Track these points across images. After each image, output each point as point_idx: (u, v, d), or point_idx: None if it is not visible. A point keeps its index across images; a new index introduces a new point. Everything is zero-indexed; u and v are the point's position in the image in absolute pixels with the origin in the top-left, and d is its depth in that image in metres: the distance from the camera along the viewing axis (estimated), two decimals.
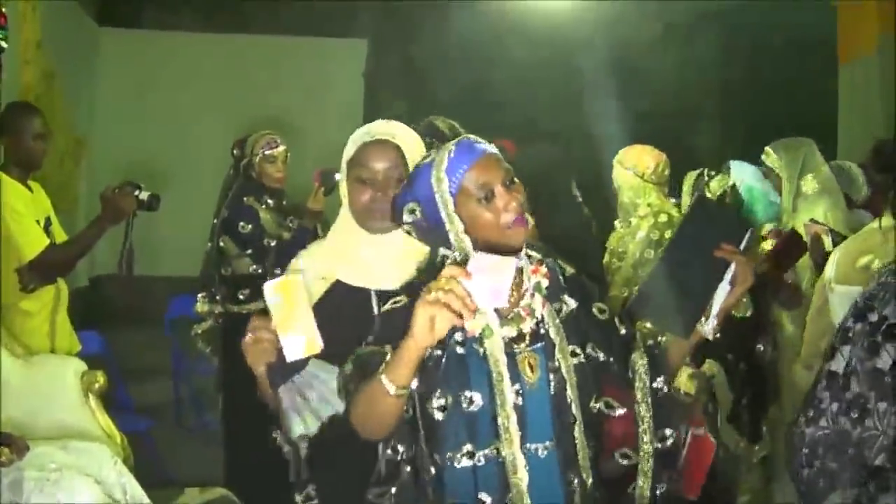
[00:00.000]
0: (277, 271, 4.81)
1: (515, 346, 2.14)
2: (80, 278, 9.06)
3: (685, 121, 11.10)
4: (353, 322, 2.29)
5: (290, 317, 2.18)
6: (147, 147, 10.35)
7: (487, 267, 1.94)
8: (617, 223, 4.90)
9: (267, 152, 4.99)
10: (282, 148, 5.03)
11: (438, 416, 2.08)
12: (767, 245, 4.58)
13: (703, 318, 2.30)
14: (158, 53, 11.00)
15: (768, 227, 4.68)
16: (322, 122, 10.12)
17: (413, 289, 2.11)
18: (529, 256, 2.24)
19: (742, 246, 2.31)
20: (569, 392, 2.15)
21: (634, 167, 4.80)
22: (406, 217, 2.20)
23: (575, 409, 2.16)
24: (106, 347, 5.63)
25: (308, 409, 2.38)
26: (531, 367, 2.15)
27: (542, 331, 2.18)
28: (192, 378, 6.76)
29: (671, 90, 10.71)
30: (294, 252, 4.54)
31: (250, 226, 4.87)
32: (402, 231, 2.26)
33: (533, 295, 2.19)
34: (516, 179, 2.17)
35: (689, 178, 5.08)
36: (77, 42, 10.01)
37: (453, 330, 2.04)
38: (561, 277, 2.28)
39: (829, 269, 3.61)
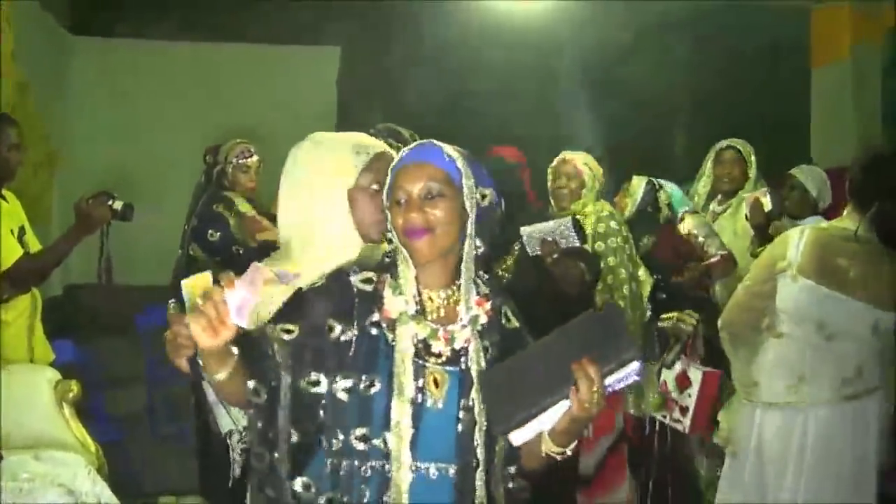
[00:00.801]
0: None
1: (427, 358, 2.15)
2: (54, 287, 9.03)
3: (658, 125, 11.15)
4: None
5: None
6: (121, 157, 10.32)
7: (247, 280, 1.98)
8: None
9: (240, 161, 5.01)
10: (255, 158, 5.05)
11: (342, 396, 2.11)
12: (682, 228, 5.03)
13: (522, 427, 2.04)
14: (132, 63, 10.96)
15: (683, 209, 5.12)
16: (295, 130, 10.09)
17: (338, 273, 2.25)
18: (477, 285, 2.26)
19: (616, 377, 1.99)
20: (477, 435, 2.13)
21: (585, 169, 4.97)
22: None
23: (480, 452, 2.14)
24: (80, 356, 5.62)
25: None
26: (436, 383, 2.14)
27: (463, 365, 2.17)
28: (167, 387, 6.74)
29: (644, 95, 10.76)
30: (261, 259, 4.53)
31: (219, 234, 4.87)
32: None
33: (464, 326, 2.19)
34: (443, 195, 2.16)
35: (639, 183, 5.27)
36: (50, 52, 9.97)
37: (370, 310, 2.17)
38: (503, 323, 2.28)
39: (793, 253, 3.56)
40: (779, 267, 3.57)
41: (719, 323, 3.80)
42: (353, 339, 2.14)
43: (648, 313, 4.92)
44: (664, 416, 4.56)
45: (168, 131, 10.60)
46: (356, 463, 2.10)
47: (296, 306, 2.20)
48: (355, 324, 2.15)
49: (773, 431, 3.63)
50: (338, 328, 2.14)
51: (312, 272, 2.40)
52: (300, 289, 2.23)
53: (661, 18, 10.33)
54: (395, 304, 2.17)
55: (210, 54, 11.20)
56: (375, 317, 2.16)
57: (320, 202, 2.52)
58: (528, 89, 10.64)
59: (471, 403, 2.13)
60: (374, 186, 2.46)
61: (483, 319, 2.21)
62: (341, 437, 2.10)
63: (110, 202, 4.23)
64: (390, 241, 2.27)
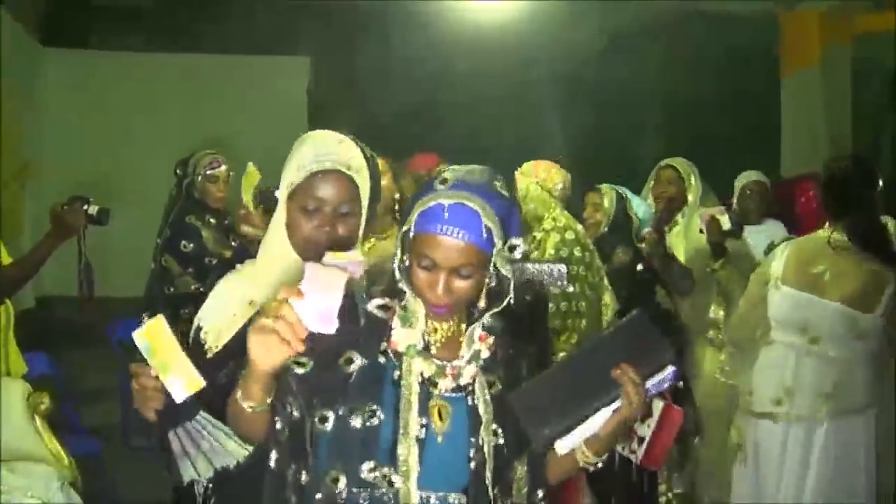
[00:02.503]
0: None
1: (432, 389, 2.10)
2: (27, 299, 8.97)
3: (629, 133, 11.21)
4: None
5: (163, 360, 2.11)
6: (93, 168, 10.25)
7: (319, 284, 1.88)
8: None
9: (209, 172, 5.01)
10: (224, 168, 5.05)
11: (346, 426, 2.06)
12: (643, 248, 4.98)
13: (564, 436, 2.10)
14: (104, 74, 10.96)
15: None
16: (266, 139, 10.10)
17: (347, 299, 2.03)
18: (483, 323, 2.16)
19: (654, 381, 2.12)
20: (488, 475, 2.10)
21: (543, 181, 4.88)
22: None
23: (491, 493, 2.10)
24: (54, 368, 5.59)
25: (200, 456, 2.32)
26: (440, 415, 2.11)
27: (469, 401, 2.13)
28: None
29: (615, 103, 10.81)
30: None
31: (192, 244, 4.87)
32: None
33: (469, 362, 2.14)
34: (474, 273, 2.05)
35: (610, 196, 5.24)
36: (21, 63, 9.92)
37: (380, 337, 2.10)
38: (504, 356, 2.21)
39: (776, 266, 3.81)
40: (766, 279, 3.81)
41: (725, 338, 3.98)
42: (362, 366, 2.08)
43: None
44: (622, 448, 4.59)
45: (140, 142, 10.59)
46: (364, 494, 2.06)
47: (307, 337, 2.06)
48: (365, 351, 2.09)
49: (765, 441, 3.83)
50: (355, 360, 2.08)
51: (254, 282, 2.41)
52: None
53: (631, 26, 10.39)
54: (404, 336, 2.11)
55: (181, 65, 11.20)
56: (384, 345, 2.10)
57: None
58: (498, 97, 10.67)
59: (480, 442, 2.10)
60: (311, 206, 2.35)
61: (485, 354, 2.17)
62: (348, 470, 2.06)
63: (85, 207, 4.21)
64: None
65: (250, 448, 2.25)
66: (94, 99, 10.89)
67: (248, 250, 4.78)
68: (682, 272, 4.93)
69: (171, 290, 4.91)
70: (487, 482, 2.09)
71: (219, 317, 2.41)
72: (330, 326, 1.88)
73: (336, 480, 2.06)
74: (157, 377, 2.11)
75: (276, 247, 2.44)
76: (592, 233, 5.13)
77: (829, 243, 3.76)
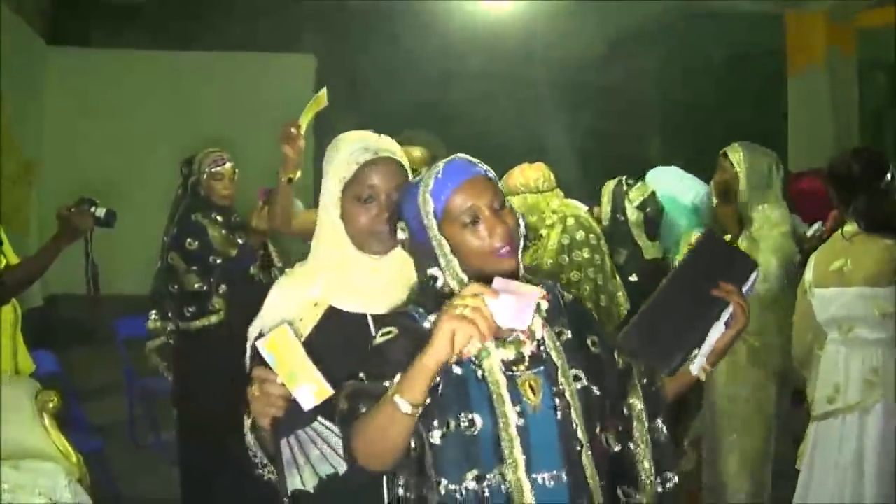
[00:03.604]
0: (222, 288, 4.85)
1: (515, 369, 2.05)
2: (35, 298, 9.00)
3: (632, 134, 11.21)
4: (354, 350, 2.15)
5: (292, 370, 2.09)
6: (98, 166, 10.28)
7: (511, 289, 1.86)
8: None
9: (214, 170, 5.00)
10: (228, 165, 5.04)
11: (438, 441, 1.99)
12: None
13: (693, 358, 2.24)
14: (107, 72, 10.96)
15: (695, 233, 4.70)
16: (272, 137, 10.13)
17: (405, 317, 2.07)
18: (528, 280, 2.12)
19: (746, 288, 2.26)
20: (574, 417, 2.06)
21: (525, 186, 4.81)
22: (399, 234, 2.17)
23: (581, 435, 2.06)
24: (61, 366, 5.61)
25: (308, 466, 2.27)
26: (532, 389, 2.05)
27: (544, 355, 2.10)
28: (149, 396, 6.74)
29: (622, 101, 10.81)
30: (238, 270, 4.50)
31: (197, 243, 4.87)
32: (400, 250, 2.24)
33: (533, 317, 2.03)
34: (508, 203, 2.10)
35: (608, 187, 5.17)
36: (25, 61, 9.94)
37: None
38: (561, 302, 2.22)
39: (808, 275, 3.93)
40: (805, 289, 3.95)
41: (793, 359, 4.16)
42: (438, 382, 1.97)
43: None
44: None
45: (144, 140, 10.59)
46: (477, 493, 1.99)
47: (377, 364, 2.02)
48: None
49: (823, 439, 3.90)
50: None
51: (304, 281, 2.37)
52: (375, 345, 2.06)
53: (638, 25, 10.39)
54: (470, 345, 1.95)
55: (185, 63, 11.21)
56: (454, 357, 1.92)
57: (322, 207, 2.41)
58: (505, 97, 10.68)
59: (561, 388, 2.06)
60: (366, 195, 2.33)
61: (545, 305, 2.15)
62: (452, 486, 1.99)
63: (92, 209, 4.21)
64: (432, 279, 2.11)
65: None
66: (99, 97, 10.89)
67: (252, 249, 4.80)
68: None
69: (176, 287, 4.92)
70: (575, 425, 2.05)
71: (283, 318, 2.34)
72: (524, 323, 1.87)
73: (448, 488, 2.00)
74: (282, 385, 2.09)
75: (331, 243, 2.39)
76: None
77: (842, 235, 3.87)
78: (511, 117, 10.45)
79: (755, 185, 4.61)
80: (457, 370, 2.01)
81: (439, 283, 2.09)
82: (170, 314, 4.99)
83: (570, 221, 4.76)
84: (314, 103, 3.81)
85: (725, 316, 2.21)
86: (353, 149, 2.36)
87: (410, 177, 2.34)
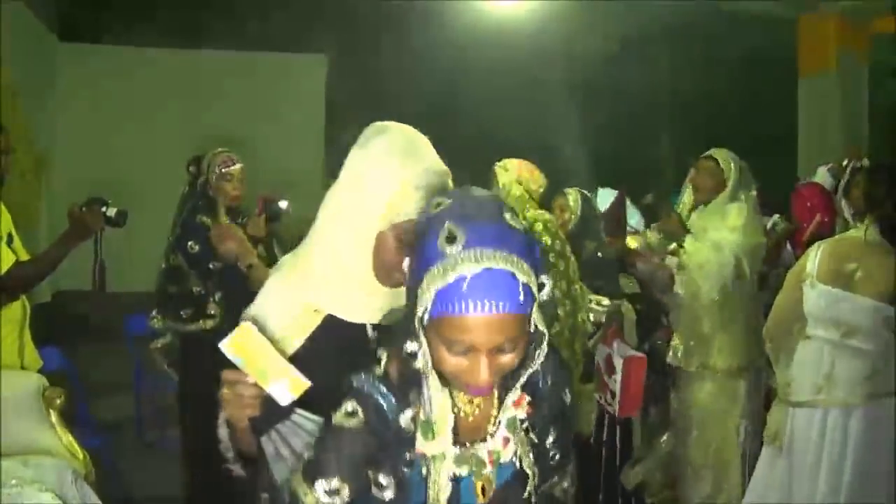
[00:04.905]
0: (219, 294, 4.86)
1: (468, 476, 1.87)
2: (43, 294, 9.02)
3: (643, 134, 11.21)
4: (350, 355, 2.07)
5: (262, 368, 2.01)
6: (108, 163, 10.34)
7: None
8: None
9: (224, 171, 5.00)
10: (238, 166, 5.04)
11: None
12: (632, 242, 5.29)
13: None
14: (119, 69, 11.00)
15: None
16: (283, 137, 10.16)
17: (374, 394, 1.86)
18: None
19: None
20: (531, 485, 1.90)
21: (526, 181, 4.93)
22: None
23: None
24: (68, 363, 5.62)
25: (294, 456, 2.22)
26: (484, 491, 1.88)
27: (517, 465, 1.91)
28: (156, 394, 6.75)
29: (630, 102, 10.80)
30: (237, 277, 4.45)
31: (198, 246, 4.87)
32: None
33: (506, 438, 1.88)
34: (518, 341, 1.73)
35: (576, 196, 5.57)
36: (38, 57, 9.97)
37: (406, 451, 1.83)
38: (545, 397, 1.95)
39: (811, 265, 3.96)
40: (802, 277, 3.99)
41: (763, 333, 4.25)
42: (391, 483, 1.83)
43: (590, 325, 4.96)
44: (600, 397, 4.87)
45: (155, 137, 10.64)
46: None
47: (332, 455, 1.85)
48: (393, 470, 1.83)
49: (801, 430, 3.96)
50: (384, 482, 1.83)
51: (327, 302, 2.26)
52: (332, 422, 1.90)
53: (649, 26, 10.38)
54: (430, 447, 1.83)
55: (197, 61, 11.25)
56: (408, 456, 1.82)
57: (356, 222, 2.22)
58: (516, 95, 10.69)
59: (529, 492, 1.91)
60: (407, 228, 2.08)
61: (522, 416, 1.90)
62: None
63: (104, 209, 4.22)
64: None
65: None
66: (109, 94, 10.93)
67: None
68: (655, 272, 5.08)
69: (175, 289, 4.93)
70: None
71: (280, 320, 2.25)
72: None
73: None
74: (254, 384, 2.03)
75: (352, 261, 2.22)
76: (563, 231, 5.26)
77: (864, 240, 3.92)
78: (521, 115, 10.45)
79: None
80: (405, 469, 1.84)
81: (418, 364, 1.80)
82: (169, 314, 5.02)
83: (538, 227, 4.84)
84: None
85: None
86: (412, 175, 2.16)
87: None
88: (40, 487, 3.32)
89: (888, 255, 3.84)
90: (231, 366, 2.02)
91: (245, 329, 2.01)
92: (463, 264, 1.63)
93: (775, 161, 5.46)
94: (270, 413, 2.12)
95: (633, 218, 5.52)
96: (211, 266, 4.86)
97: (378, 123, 2.29)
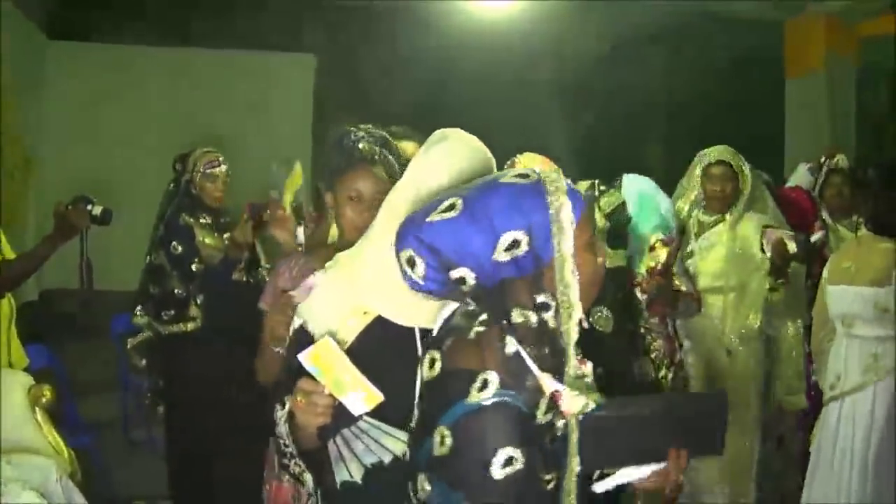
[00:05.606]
0: (200, 298, 4.86)
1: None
2: (30, 292, 8.99)
3: (633, 136, 11.21)
4: (399, 359, 2.19)
5: (337, 380, 2.08)
6: (96, 162, 10.30)
7: None
8: None
9: (208, 171, 5.00)
10: (223, 168, 5.04)
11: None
12: (661, 254, 4.54)
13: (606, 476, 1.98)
14: (108, 67, 10.96)
15: (657, 236, 4.71)
16: (272, 136, 10.15)
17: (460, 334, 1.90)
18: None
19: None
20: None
21: None
22: (503, 256, 1.78)
23: None
24: (54, 361, 5.61)
25: (354, 459, 2.30)
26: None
27: None
28: (140, 392, 6.74)
29: (620, 104, 10.81)
30: (218, 280, 4.40)
31: (181, 247, 4.88)
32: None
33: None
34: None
35: (581, 188, 5.22)
36: (26, 56, 9.94)
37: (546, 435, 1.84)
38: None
39: (825, 272, 4.29)
40: (822, 286, 4.29)
41: (812, 350, 4.51)
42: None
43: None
44: None
45: (142, 136, 10.61)
46: None
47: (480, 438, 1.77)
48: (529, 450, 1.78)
49: (825, 421, 4.21)
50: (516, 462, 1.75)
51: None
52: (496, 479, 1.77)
53: (638, 28, 10.40)
54: (575, 403, 1.80)
55: (186, 60, 11.22)
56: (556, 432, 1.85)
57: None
58: (504, 97, 10.68)
59: None
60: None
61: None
62: None
63: (89, 207, 4.22)
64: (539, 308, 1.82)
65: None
66: (98, 92, 10.90)
67: (234, 263, 4.75)
68: (686, 303, 4.78)
69: (157, 289, 4.94)
70: None
71: (329, 320, 2.30)
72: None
73: None
74: (329, 395, 2.09)
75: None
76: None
77: (857, 238, 4.25)
78: (511, 117, 10.45)
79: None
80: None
81: (549, 314, 1.80)
82: (150, 314, 5.03)
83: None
84: (291, 180, 3.77)
85: (651, 468, 1.96)
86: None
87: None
88: (24, 486, 3.32)
89: (878, 241, 4.10)
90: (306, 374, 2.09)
91: (325, 343, 2.08)
92: (563, 186, 1.80)
93: (762, 161, 5.46)
94: (339, 420, 2.19)
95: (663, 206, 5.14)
96: (193, 268, 4.86)
97: (441, 130, 2.36)
